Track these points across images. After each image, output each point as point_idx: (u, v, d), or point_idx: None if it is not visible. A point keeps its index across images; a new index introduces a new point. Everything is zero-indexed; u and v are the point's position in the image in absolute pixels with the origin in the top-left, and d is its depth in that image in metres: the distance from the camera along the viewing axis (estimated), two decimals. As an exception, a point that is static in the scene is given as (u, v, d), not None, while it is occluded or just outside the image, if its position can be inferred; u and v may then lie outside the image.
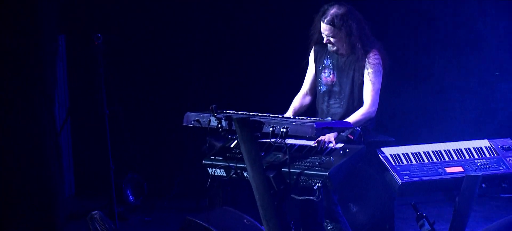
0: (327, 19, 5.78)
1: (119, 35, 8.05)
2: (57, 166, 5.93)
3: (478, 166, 5.34)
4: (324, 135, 5.32)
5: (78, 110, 8.08)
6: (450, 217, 5.27)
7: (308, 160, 5.21)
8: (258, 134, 5.13)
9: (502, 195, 7.87)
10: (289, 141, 5.28)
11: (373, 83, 5.82)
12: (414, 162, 5.31)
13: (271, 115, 5.30)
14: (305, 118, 5.38)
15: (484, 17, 8.64)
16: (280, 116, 5.40)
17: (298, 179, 5.13)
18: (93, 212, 5.75)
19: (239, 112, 5.34)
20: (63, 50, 8.16)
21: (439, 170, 5.29)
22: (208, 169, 5.44)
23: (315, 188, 5.09)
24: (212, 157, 5.43)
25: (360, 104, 5.85)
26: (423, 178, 5.22)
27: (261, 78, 8.34)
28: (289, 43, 7.93)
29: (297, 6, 7.99)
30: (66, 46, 8.19)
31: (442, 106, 8.71)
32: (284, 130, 5.02)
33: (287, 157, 5.16)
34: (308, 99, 6.14)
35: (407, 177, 5.20)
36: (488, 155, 5.44)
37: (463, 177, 5.18)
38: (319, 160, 5.18)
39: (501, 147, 5.50)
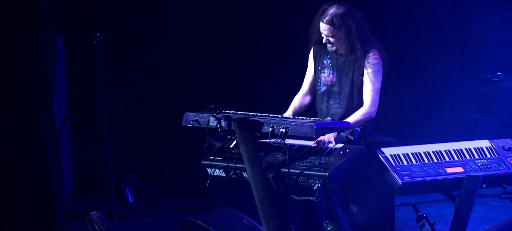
0: (326, 19, 5.77)
1: (119, 35, 8.02)
2: (57, 166, 5.92)
3: (478, 166, 5.33)
4: (324, 135, 5.31)
5: (77, 111, 8.06)
6: (451, 217, 5.26)
7: (307, 160, 5.20)
8: (258, 134, 5.13)
9: (503, 196, 7.84)
10: (289, 141, 5.27)
11: (373, 83, 5.80)
12: (414, 162, 5.29)
13: (271, 115, 5.29)
14: (304, 118, 5.37)
15: (485, 16, 8.63)
16: (279, 116, 5.39)
17: (298, 180, 5.12)
18: (92, 213, 5.74)
19: (238, 112, 5.33)
20: (62, 50, 8.14)
21: (440, 170, 5.28)
22: (207, 169, 5.43)
23: (314, 188, 5.08)
24: (211, 157, 5.43)
25: (360, 104, 5.84)
26: (423, 178, 5.21)
27: (261, 78, 8.32)
28: (289, 43, 7.91)
29: (297, 6, 7.97)
30: (65, 46, 8.16)
31: (443, 106, 8.69)
32: (284, 130, 5.01)
33: (287, 157, 5.15)
34: (308, 99, 6.13)
35: (407, 177, 5.19)
36: (488, 155, 5.43)
37: (464, 177, 5.16)
38: (318, 160, 5.17)
39: (502, 147, 5.49)
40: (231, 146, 5.50)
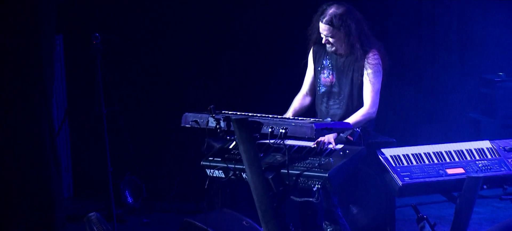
0: (325, 19, 5.74)
1: (118, 35, 8.01)
2: (55, 166, 5.91)
3: (479, 167, 5.30)
4: (324, 136, 5.29)
5: (76, 111, 8.05)
6: (452, 218, 5.23)
7: (307, 161, 5.18)
8: (257, 134, 5.11)
9: (503, 197, 7.82)
10: (289, 142, 5.24)
11: (373, 84, 5.78)
12: (414, 163, 5.27)
13: (270, 116, 5.27)
14: (304, 118, 5.35)
15: (485, 16, 8.61)
16: (279, 116, 5.36)
17: (297, 181, 5.10)
18: (90, 214, 5.72)
19: (238, 113, 5.31)
20: (61, 50, 8.13)
21: (440, 171, 5.26)
22: (207, 170, 5.41)
23: (314, 189, 5.06)
24: (210, 158, 5.41)
25: (360, 105, 5.81)
26: (424, 179, 5.19)
27: (261, 78, 8.31)
28: (289, 43, 7.89)
29: (297, 6, 7.95)
30: (65, 46, 8.15)
31: (443, 107, 8.67)
32: (283, 131, 4.99)
33: (286, 158, 5.12)
34: (308, 100, 6.10)
35: (408, 178, 5.17)
36: (489, 156, 5.40)
37: (464, 178, 5.15)
38: (318, 161, 5.14)
39: (503, 148, 5.46)
40: (231, 146, 5.48)
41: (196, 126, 5.29)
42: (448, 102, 8.67)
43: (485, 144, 5.48)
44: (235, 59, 8.33)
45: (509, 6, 8.52)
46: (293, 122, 5.08)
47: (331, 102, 5.94)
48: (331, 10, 5.75)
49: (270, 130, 5.03)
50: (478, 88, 8.60)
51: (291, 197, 5.38)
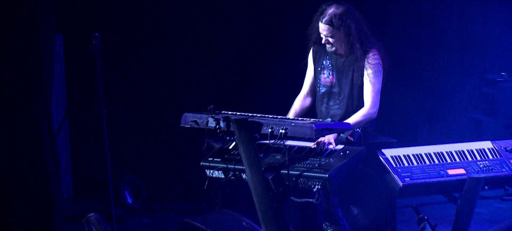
0: (325, 19, 5.72)
1: (118, 35, 8.00)
2: (55, 166, 5.90)
3: (480, 168, 5.28)
4: (324, 136, 5.27)
5: (76, 111, 8.03)
6: (453, 219, 5.21)
7: (307, 162, 5.16)
8: (257, 135, 5.09)
9: (505, 198, 7.80)
10: (288, 142, 5.22)
11: (373, 84, 5.75)
12: (415, 163, 5.25)
13: (270, 116, 5.25)
14: (304, 119, 5.33)
15: (485, 16, 8.59)
16: (279, 117, 5.34)
17: (297, 181, 5.08)
18: (89, 215, 5.70)
19: (238, 113, 5.28)
20: (61, 50, 8.11)
21: (441, 171, 5.23)
22: (206, 170, 5.39)
23: (314, 190, 5.04)
24: (210, 159, 5.39)
25: (360, 105, 5.79)
26: (425, 180, 5.17)
27: (261, 79, 8.29)
28: (289, 43, 7.88)
29: (297, 6, 7.93)
30: (64, 46, 8.14)
31: (444, 107, 8.65)
32: (283, 131, 4.97)
33: (286, 158, 5.10)
34: (308, 101, 6.08)
35: (408, 178, 5.15)
36: (490, 157, 5.38)
37: (465, 178, 5.12)
38: (318, 162, 5.12)
39: (504, 148, 5.45)
40: (230, 147, 5.46)
41: (195, 126, 5.27)
42: (448, 103, 8.65)
43: (486, 145, 5.46)
44: (235, 59, 8.31)
45: (509, 6, 8.51)
46: (293, 122, 5.06)
47: (331, 103, 5.92)
48: (331, 10, 5.73)
49: (270, 130, 5.00)
50: (479, 88, 8.58)
51: (291, 197, 5.36)
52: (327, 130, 5.05)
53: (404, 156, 5.28)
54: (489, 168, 5.29)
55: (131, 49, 8.24)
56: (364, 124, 5.75)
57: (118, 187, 7.62)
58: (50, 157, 5.81)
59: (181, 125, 5.36)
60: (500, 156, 5.39)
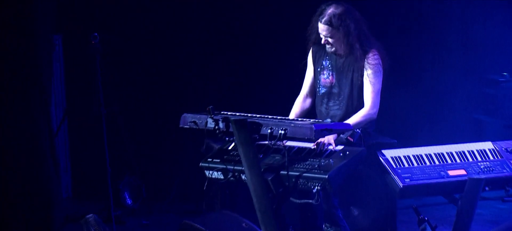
0: (324, 19, 5.70)
1: (118, 35, 7.99)
2: (54, 167, 5.89)
3: (481, 169, 5.25)
4: (324, 137, 5.24)
5: (75, 111, 8.02)
6: (453, 220, 5.18)
7: (307, 163, 5.13)
8: (256, 135, 5.06)
9: (506, 199, 7.79)
10: (288, 143, 5.20)
11: (373, 84, 5.73)
12: (415, 164, 5.22)
13: (270, 116, 5.22)
14: (304, 119, 5.31)
15: (486, 16, 8.58)
16: (278, 117, 5.31)
17: (297, 182, 5.06)
18: (88, 216, 5.67)
19: (237, 114, 5.26)
20: (60, 50, 8.10)
21: (441, 172, 5.20)
22: (206, 171, 5.36)
23: (314, 191, 5.01)
24: (209, 159, 5.37)
25: (360, 105, 5.76)
26: (425, 181, 5.14)
27: (260, 79, 8.28)
28: (289, 44, 7.85)
29: (297, 6, 7.91)
30: (64, 46, 8.12)
31: (444, 107, 8.63)
32: (283, 132, 4.95)
33: (286, 159, 5.08)
34: (308, 102, 6.05)
35: (408, 179, 5.12)
36: (491, 158, 5.35)
37: (466, 179, 5.09)
38: (318, 163, 5.10)
39: (505, 149, 5.42)
40: (230, 148, 5.43)
41: (194, 127, 5.24)
42: (449, 103, 8.63)
43: (487, 145, 5.43)
44: (235, 59, 8.30)
45: (510, 5, 8.49)
46: (292, 123, 5.03)
47: (331, 103, 5.90)
48: (330, 10, 5.71)
49: (269, 131, 4.98)
50: (480, 89, 8.56)
51: (291, 198, 5.34)
52: (327, 131, 5.02)
53: (404, 156, 5.26)
54: (490, 169, 5.26)
55: (130, 49, 8.23)
56: (364, 125, 5.73)
57: (118, 188, 7.60)
58: (49, 157, 5.81)
59: (180, 126, 5.34)
60: (501, 156, 5.37)
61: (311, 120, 5.21)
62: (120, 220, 7.34)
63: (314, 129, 4.90)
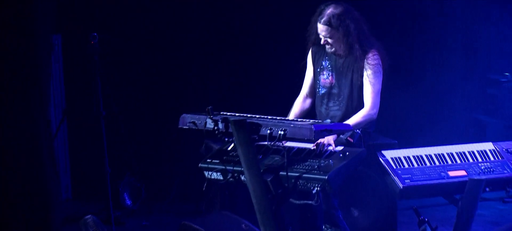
0: (323, 19, 5.68)
1: (118, 35, 7.97)
2: (53, 168, 5.86)
3: (481, 170, 5.23)
4: (323, 138, 5.22)
5: (74, 112, 7.99)
6: (454, 221, 5.16)
7: (306, 163, 5.10)
8: (256, 136, 5.03)
9: (506, 200, 7.77)
10: (288, 144, 5.17)
11: (373, 85, 5.71)
12: (415, 165, 5.20)
13: (269, 117, 5.20)
14: (303, 120, 5.28)
15: (488, 17, 8.56)
16: (278, 118, 5.29)
17: (297, 183, 5.03)
18: (86, 217, 5.65)
19: (236, 114, 5.24)
20: (59, 50, 8.08)
21: (442, 173, 5.18)
22: (205, 172, 5.34)
23: (313, 192, 4.98)
24: (208, 160, 5.34)
25: (360, 106, 5.74)
26: (425, 182, 5.12)
27: (260, 79, 8.26)
28: (289, 44, 7.84)
29: (297, 6, 7.89)
30: (63, 46, 8.10)
31: (445, 108, 8.62)
32: (282, 133, 4.92)
33: (285, 160, 5.05)
34: (308, 102, 6.03)
35: (409, 180, 5.09)
36: (492, 158, 5.33)
37: (466, 180, 5.07)
38: (318, 163, 5.07)
39: (506, 150, 5.40)
40: (229, 148, 5.41)
41: (194, 128, 5.22)
42: (449, 103, 8.62)
43: (487, 146, 5.41)
44: (235, 60, 8.28)
45: (511, 6, 8.47)
46: (292, 124, 5.00)
47: (330, 104, 5.87)
48: (329, 10, 5.69)
49: (269, 131, 4.95)
50: (481, 89, 8.54)
51: (290, 199, 5.31)
52: (326, 131, 4.99)
53: (404, 157, 5.23)
54: (490, 170, 5.24)
55: (129, 49, 8.21)
56: (364, 125, 5.71)
57: (117, 189, 7.58)
58: (48, 158, 5.78)
59: (179, 126, 5.31)
60: (502, 157, 5.34)
61: (311, 121, 5.19)
62: (120, 221, 7.32)
63: (314, 129, 4.87)
